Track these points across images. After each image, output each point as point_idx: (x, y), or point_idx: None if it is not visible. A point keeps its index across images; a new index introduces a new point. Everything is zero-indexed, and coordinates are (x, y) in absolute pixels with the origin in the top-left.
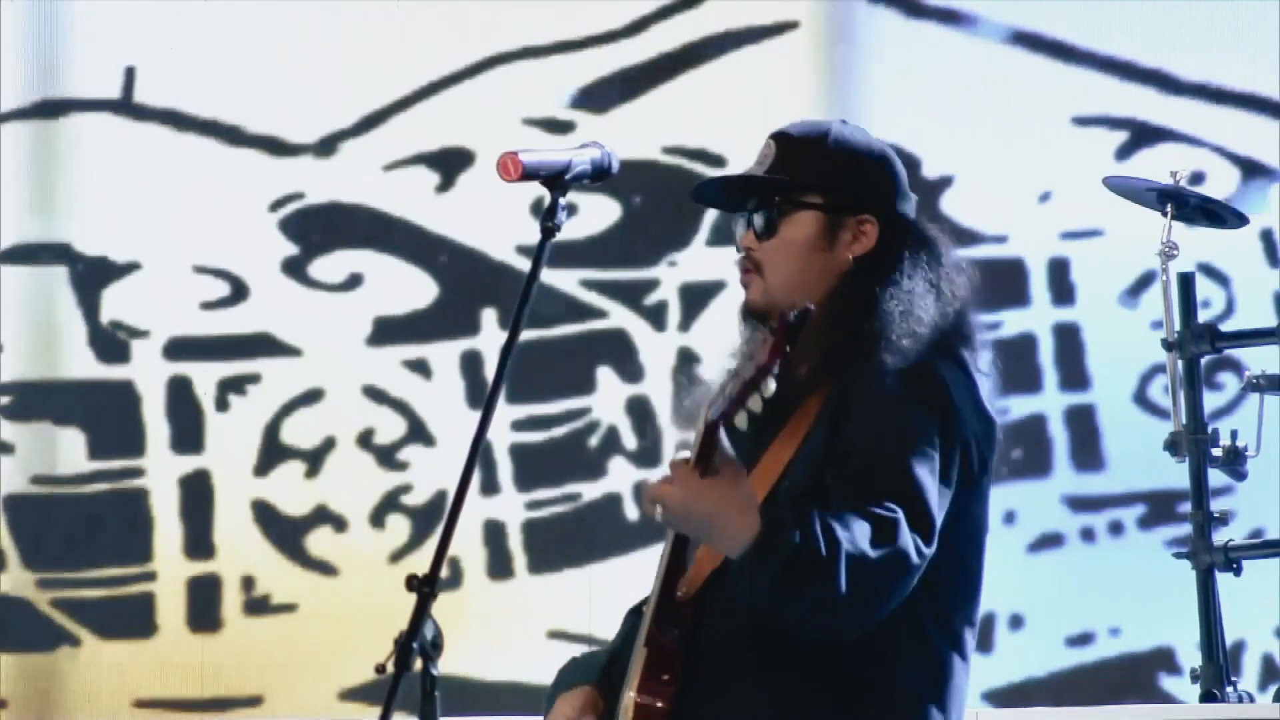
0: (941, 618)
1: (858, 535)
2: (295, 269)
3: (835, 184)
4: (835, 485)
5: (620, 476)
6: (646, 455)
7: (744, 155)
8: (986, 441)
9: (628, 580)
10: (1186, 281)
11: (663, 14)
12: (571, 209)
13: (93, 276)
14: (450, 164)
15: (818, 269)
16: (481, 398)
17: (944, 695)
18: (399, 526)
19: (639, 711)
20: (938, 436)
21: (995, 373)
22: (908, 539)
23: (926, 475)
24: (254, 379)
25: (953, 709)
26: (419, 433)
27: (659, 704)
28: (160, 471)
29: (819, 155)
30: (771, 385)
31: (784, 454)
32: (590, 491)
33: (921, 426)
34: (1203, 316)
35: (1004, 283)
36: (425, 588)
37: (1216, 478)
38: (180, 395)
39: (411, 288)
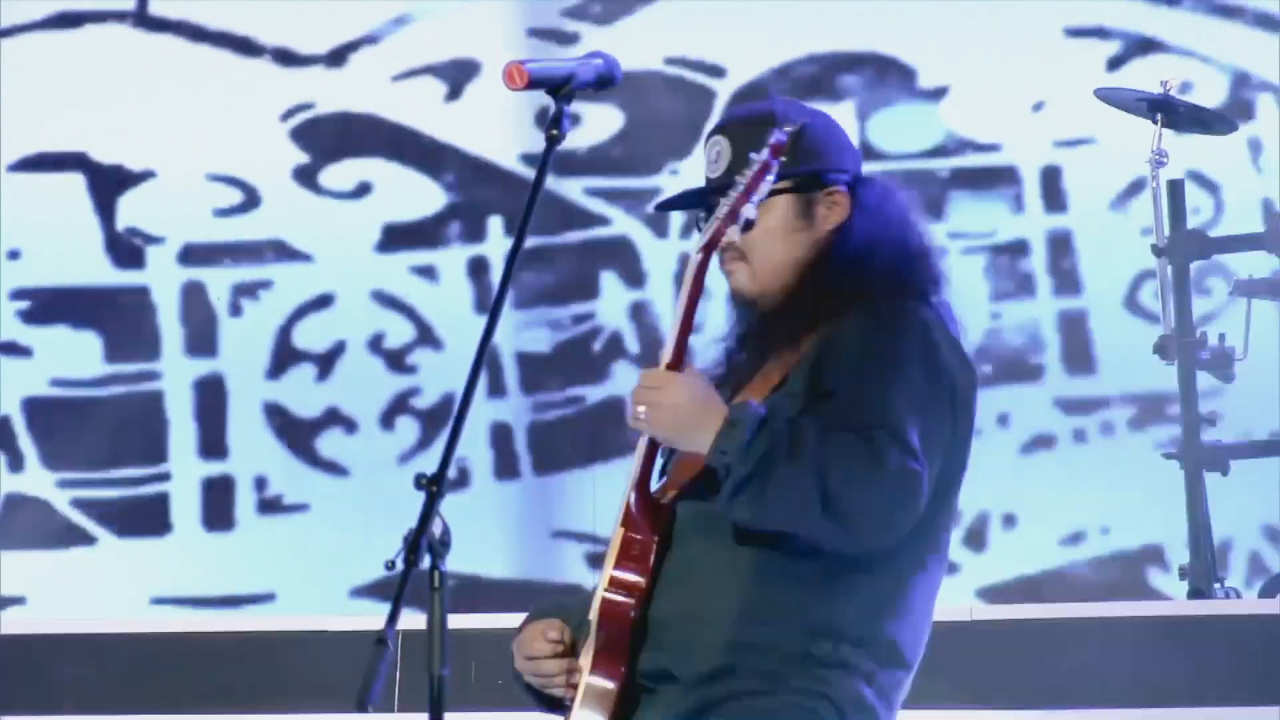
0: (911, 545)
1: (833, 448)
2: (306, 177)
3: (799, 165)
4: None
5: (623, 380)
6: (649, 359)
7: (742, 67)
8: (968, 386)
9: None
10: (1176, 189)
11: None
12: (576, 118)
13: (109, 184)
14: (457, 74)
15: (800, 246)
16: (488, 303)
17: (900, 619)
18: (408, 428)
19: (605, 606)
20: (918, 368)
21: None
22: (886, 452)
23: (905, 403)
24: (266, 284)
25: (908, 633)
26: (427, 337)
27: (628, 601)
28: (175, 375)
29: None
30: (751, 211)
31: (756, 395)
32: (594, 394)
33: (900, 359)
34: (1192, 223)
35: (998, 190)
36: (433, 487)
37: (1205, 380)
38: (194, 300)
39: (419, 195)
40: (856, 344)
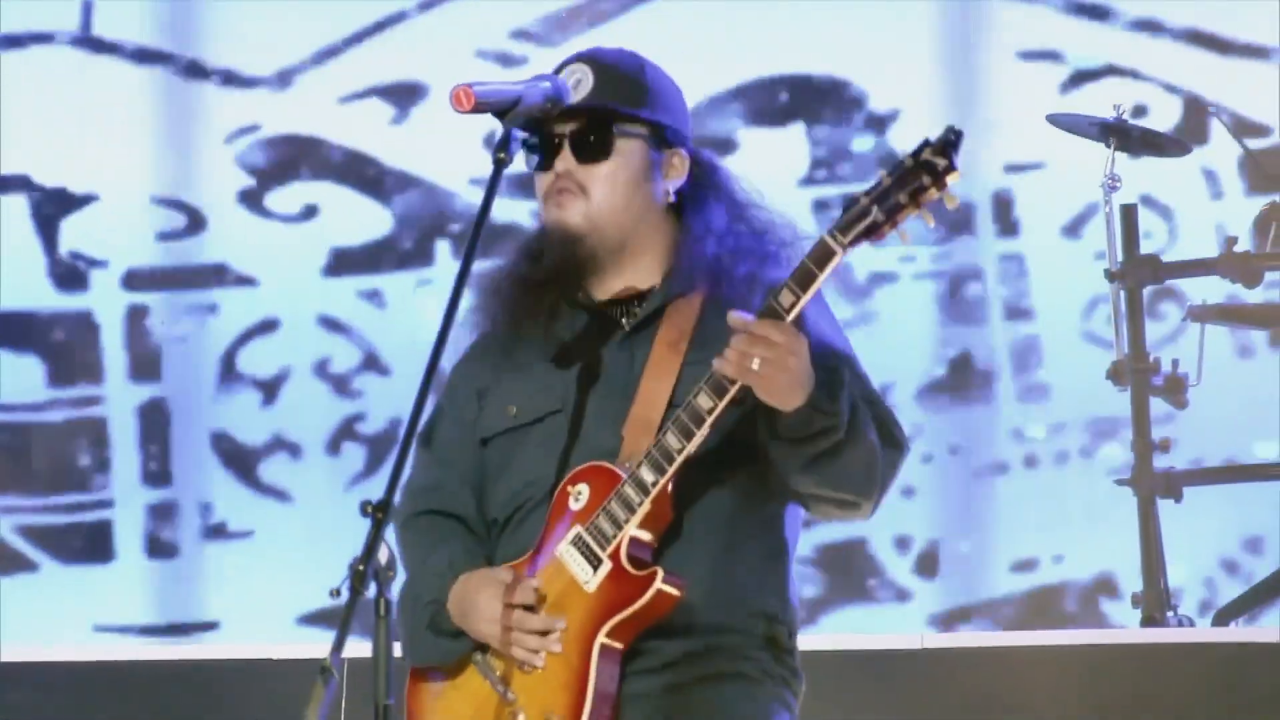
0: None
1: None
2: (251, 200)
3: (661, 115)
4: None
5: None
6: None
7: (695, 89)
8: None
9: None
10: (1129, 213)
11: None
12: (523, 141)
13: (52, 207)
14: (404, 97)
15: (642, 197)
16: (434, 327)
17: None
18: (354, 454)
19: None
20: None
21: None
22: (903, 434)
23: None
24: (211, 308)
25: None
26: (373, 362)
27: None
28: (118, 400)
29: (639, 86)
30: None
31: (667, 371)
32: None
33: (837, 332)
34: (1145, 248)
35: (949, 215)
36: (379, 514)
37: (1158, 406)
38: (138, 324)
39: (366, 219)
40: (821, 328)
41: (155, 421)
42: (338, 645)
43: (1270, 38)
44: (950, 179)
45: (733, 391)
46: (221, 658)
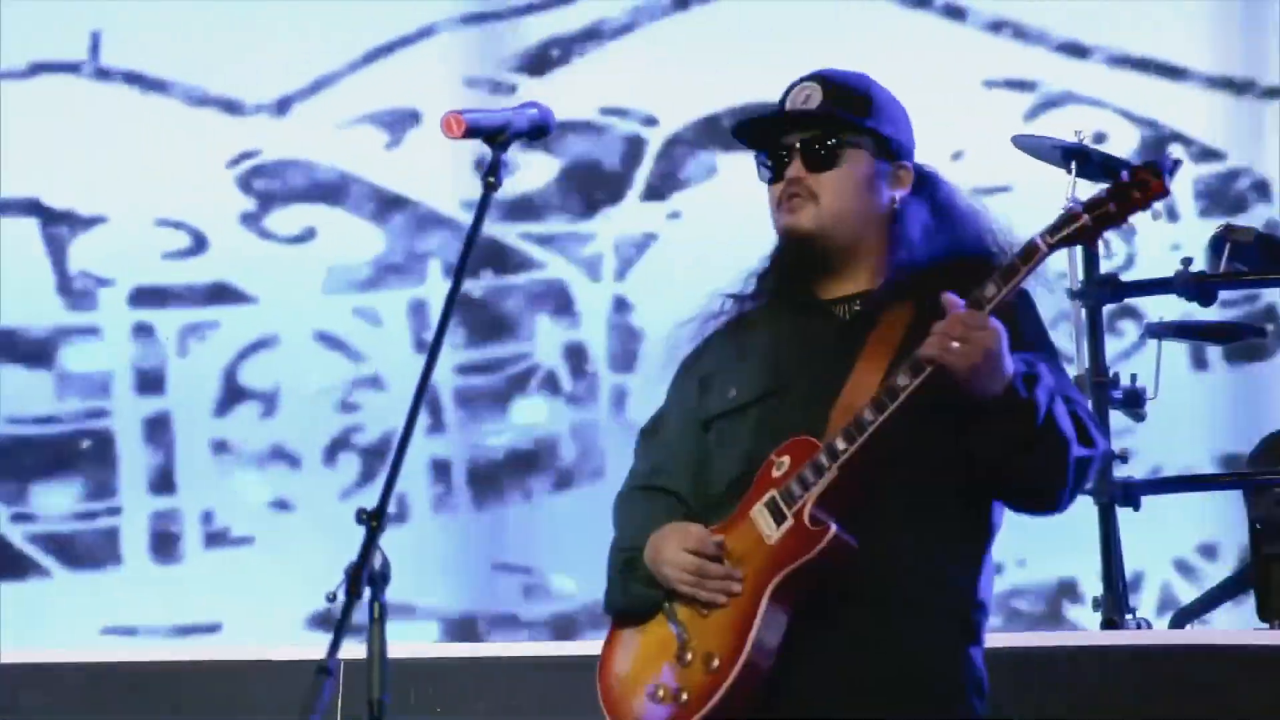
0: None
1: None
2: (252, 222)
3: (885, 127)
4: None
5: (557, 416)
6: (581, 397)
7: (673, 116)
8: None
9: (565, 515)
10: None
11: None
12: (511, 166)
13: (61, 229)
14: (397, 124)
15: (868, 205)
16: (427, 343)
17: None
18: (350, 464)
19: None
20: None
21: None
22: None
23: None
24: (213, 325)
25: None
26: (369, 377)
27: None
28: (125, 412)
29: (867, 100)
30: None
31: (878, 364)
32: (529, 432)
33: (1041, 330)
34: (1105, 268)
35: None
36: (373, 521)
37: (1117, 419)
38: (144, 341)
39: (362, 240)
40: (1025, 324)
41: (160, 433)
42: (334, 646)
43: (1226, 67)
44: (1157, 200)
45: (929, 370)
46: (223, 658)
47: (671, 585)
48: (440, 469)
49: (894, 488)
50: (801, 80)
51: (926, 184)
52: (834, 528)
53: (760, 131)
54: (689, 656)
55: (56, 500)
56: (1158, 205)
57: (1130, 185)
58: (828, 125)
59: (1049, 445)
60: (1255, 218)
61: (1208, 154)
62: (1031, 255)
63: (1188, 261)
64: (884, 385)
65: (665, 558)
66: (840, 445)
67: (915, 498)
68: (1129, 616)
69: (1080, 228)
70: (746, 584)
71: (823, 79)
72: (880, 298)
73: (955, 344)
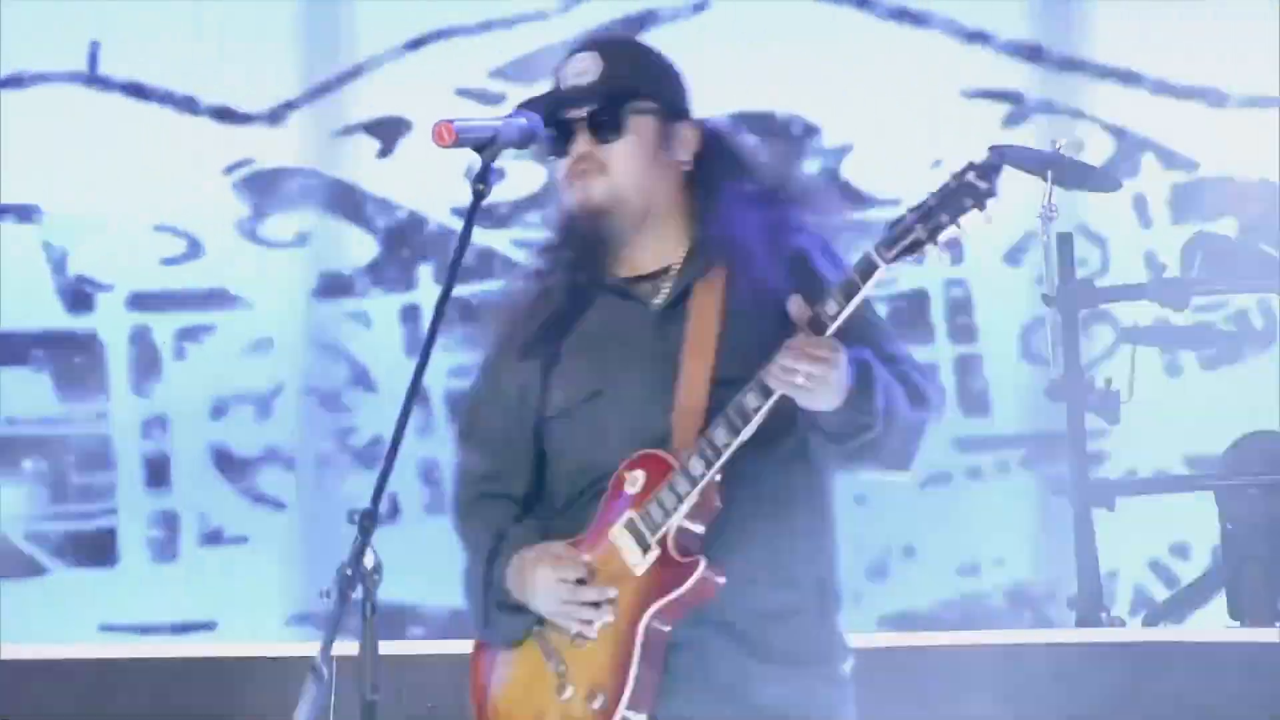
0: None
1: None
2: (247, 228)
3: (666, 91)
4: None
5: None
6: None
7: None
8: None
9: None
10: (1065, 241)
11: None
12: (500, 173)
13: (61, 234)
14: (389, 132)
15: (659, 170)
16: (418, 347)
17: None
18: (342, 465)
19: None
20: None
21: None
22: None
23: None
24: (209, 329)
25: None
26: (361, 379)
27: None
28: (122, 414)
29: (645, 64)
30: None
31: (704, 358)
32: None
33: (865, 306)
34: (1080, 274)
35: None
36: (366, 521)
37: (1092, 421)
38: (141, 343)
39: (354, 246)
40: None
41: (157, 434)
42: (327, 644)
43: (1202, 79)
44: (990, 201)
45: (777, 395)
46: (218, 655)
47: (542, 613)
48: (431, 469)
49: (749, 490)
50: (575, 51)
51: (712, 141)
52: (703, 563)
53: (539, 108)
54: (569, 692)
55: (55, 500)
56: (989, 207)
57: (957, 191)
58: (610, 95)
59: (891, 439)
60: (1226, 226)
61: (1180, 161)
62: (869, 273)
63: (1161, 268)
64: (735, 405)
65: (537, 587)
66: (697, 469)
67: (769, 496)
68: (1103, 615)
69: (914, 240)
70: (620, 615)
71: (598, 46)
72: (690, 275)
73: (800, 379)
